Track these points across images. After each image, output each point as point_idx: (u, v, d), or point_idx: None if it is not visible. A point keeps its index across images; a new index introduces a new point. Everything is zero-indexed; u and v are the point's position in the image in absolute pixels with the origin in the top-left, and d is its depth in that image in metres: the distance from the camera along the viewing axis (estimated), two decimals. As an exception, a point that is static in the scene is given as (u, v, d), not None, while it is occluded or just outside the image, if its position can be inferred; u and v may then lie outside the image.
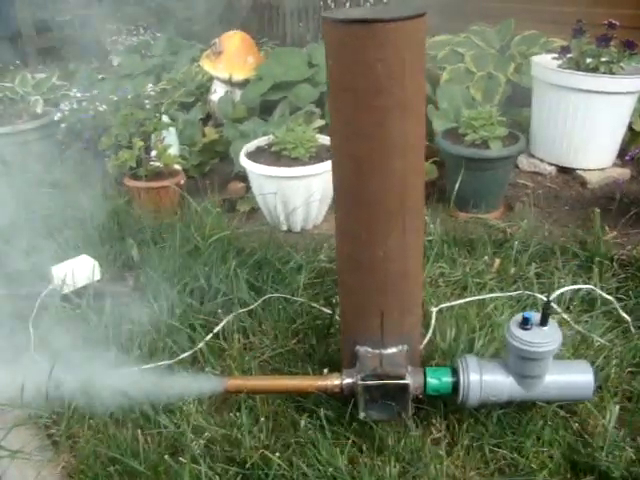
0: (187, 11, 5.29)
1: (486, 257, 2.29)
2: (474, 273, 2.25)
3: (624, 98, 2.85)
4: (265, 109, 3.57)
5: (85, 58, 4.86)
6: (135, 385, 1.70)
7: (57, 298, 2.17)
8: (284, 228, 2.69)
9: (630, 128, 3.10)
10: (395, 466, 1.51)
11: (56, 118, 3.41)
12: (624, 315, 1.91)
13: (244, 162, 2.62)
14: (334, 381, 1.60)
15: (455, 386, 1.58)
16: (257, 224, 2.75)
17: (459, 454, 1.59)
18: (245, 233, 2.53)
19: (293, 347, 1.96)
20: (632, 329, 1.92)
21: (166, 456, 1.54)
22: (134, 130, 2.72)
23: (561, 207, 2.80)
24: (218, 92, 3.77)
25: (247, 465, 1.53)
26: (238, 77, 3.71)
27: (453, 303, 2.07)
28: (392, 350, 1.62)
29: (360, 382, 1.54)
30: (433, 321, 1.96)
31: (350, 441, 1.58)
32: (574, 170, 3.02)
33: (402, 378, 1.54)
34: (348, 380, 1.58)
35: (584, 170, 3.00)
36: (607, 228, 2.40)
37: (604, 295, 1.93)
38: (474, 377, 1.56)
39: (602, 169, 3.00)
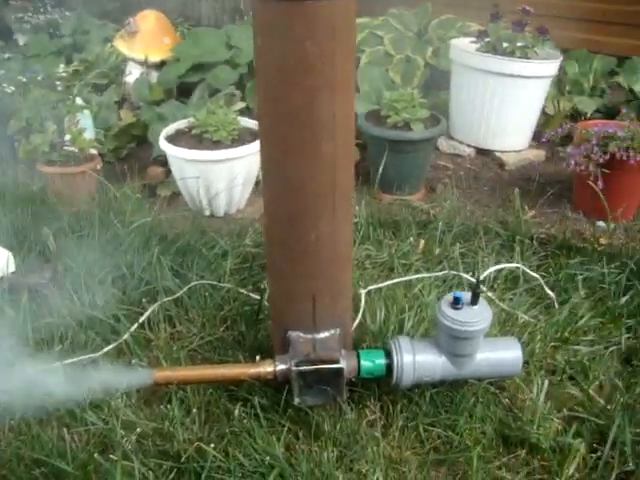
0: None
1: (411, 238, 2.31)
2: (400, 254, 2.26)
3: (539, 82, 2.95)
4: (183, 91, 3.46)
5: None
6: (58, 382, 1.61)
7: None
8: (207, 213, 2.62)
9: (543, 112, 3.20)
10: (332, 451, 1.50)
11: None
12: (549, 291, 1.97)
13: (164, 146, 2.53)
14: (267, 368, 1.56)
15: (389, 368, 1.58)
16: (179, 210, 2.66)
17: (394, 435, 1.59)
18: (167, 219, 2.44)
19: (222, 335, 1.92)
20: (556, 305, 1.98)
21: (95, 454, 1.47)
22: (46, 113, 2.57)
23: (481, 188, 2.87)
24: (133, 74, 3.63)
25: (182, 459, 1.48)
26: (154, 58, 3.58)
27: (381, 285, 2.07)
28: (324, 334, 1.60)
29: (294, 368, 1.51)
30: (362, 303, 1.95)
31: (286, 428, 1.56)
32: (492, 152, 3.10)
33: (336, 362, 1.53)
34: (282, 366, 1.55)
35: (501, 152, 3.08)
36: (526, 208, 2.47)
37: (529, 272, 1.98)
38: (407, 358, 1.57)
39: (518, 151, 3.10)
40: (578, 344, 1.88)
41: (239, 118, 2.63)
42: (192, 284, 2.04)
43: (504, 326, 1.90)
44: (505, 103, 2.95)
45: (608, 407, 1.63)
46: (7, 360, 1.71)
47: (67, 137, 2.74)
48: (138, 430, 1.55)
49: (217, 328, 1.94)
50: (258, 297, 1.98)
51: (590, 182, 2.36)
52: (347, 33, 1.32)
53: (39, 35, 4.47)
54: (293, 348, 1.56)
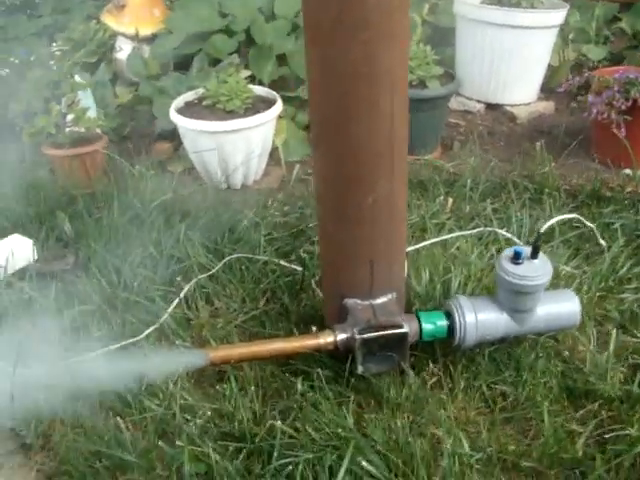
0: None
1: (441, 197, 2.26)
2: (430, 214, 2.22)
3: (546, 32, 2.90)
4: (178, 64, 3.34)
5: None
6: (108, 369, 1.55)
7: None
8: (224, 186, 2.55)
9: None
10: (402, 417, 1.47)
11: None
12: (601, 241, 1.95)
13: (176, 119, 2.43)
14: (327, 338, 1.52)
15: (450, 329, 1.55)
16: (194, 184, 2.58)
17: (457, 396, 1.57)
18: (188, 195, 2.37)
19: (264, 308, 1.86)
20: (606, 254, 1.94)
21: (160, 442, 1.42)
22: (48, 94, 2.45)
23: (497, 143, 2.83)
24: (124, 49, 3.48)
25: (249, 439, 1.43)
26: (145, 32, 3.44)
27: (417, 246, 2.03)
28: (382, 300, 1.56)
29: (358, 336, 1.47)
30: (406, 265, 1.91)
31: (351, 398, 1.52)
32: (502, 106, 3.06)
33: (400, 327, 1.49)
34: (342, 335, 1.51)
35: (511, 106, 3.03)
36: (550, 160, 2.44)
37: (586, 222, 1.96)
38: (470, 318, 1.53)
39: (528, 104, 3.06)
40: (623, 292, 1.87)
41: (250, 86, 2.55)
42: (227, 259, 1.98)
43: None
44: (513, 55, 2.90)
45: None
46: (49, 351, 1.65)
47: (69, 117, 2.63)
48: (200, 413, 1.50)
49: (258, 302, 1.89)
50: (298, 267, 1.93)
51: (614, 129, 2.33)
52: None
53: (15, 16, 4.28)
54: (352, 316, 1.52)
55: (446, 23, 3.22)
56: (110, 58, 3.66)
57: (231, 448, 1.43)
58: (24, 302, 1.87)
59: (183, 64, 3.31)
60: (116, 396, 1.56)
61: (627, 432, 1.41)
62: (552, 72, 3.16)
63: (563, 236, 2.06)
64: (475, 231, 2.10)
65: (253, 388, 1.56)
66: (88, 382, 1.53)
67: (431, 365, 1.63)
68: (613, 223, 2.08)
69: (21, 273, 2.01)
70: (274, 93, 2.62)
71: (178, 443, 1.41)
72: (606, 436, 1.45)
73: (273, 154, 2.67)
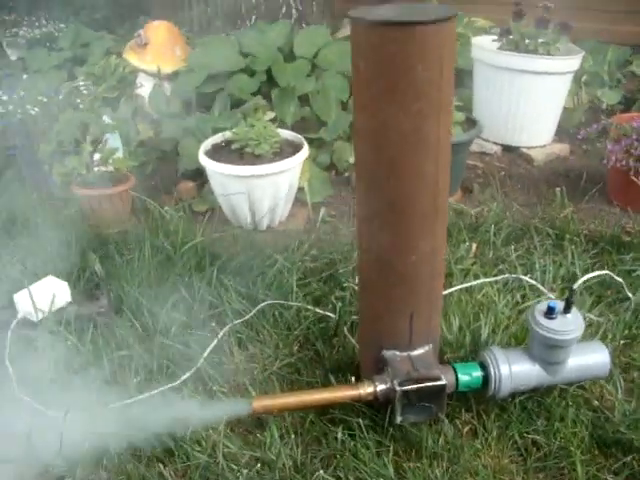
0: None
1: (467, 243, 2.32)
2: (455, 260, 2.27)
3: (562, 77, 2.98)
4: (200, 102, 3.42)
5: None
6: (152, 416, 1.59)
7: (29, 327, 1.99)
8: (250, 227, 2.61)
9: (562, 106, 3.24)
10: (439, 466, 1.52)
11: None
12: (629, 294, 2.00)
13: (205, 162, 2.50)
14: (367, 389, 1.56)
15: (485, 380, 1.60)
16: (219, 225, 2.64)
17: (491, 444, 1.61)
18: (217, 237, 2.42)
19: (298, 355, 1.90)
20: (632, 304, 2.00)
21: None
22: (79, 134, 2.52)
23: (514, 186, 2.90)
24: (145, 86, 3.57)
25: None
26: (167, 69, 3.53)
27: (446, 292, 2.08)
28: (420, 351, 1.61)
29: (398, 388, 1.51)
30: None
31: (391, 448, 1.56)
32: (518, 148, 3.13)
33: (438, 379, 1.53)
34: (382, 387, 1.56)
35: (528, 148, 3.11)
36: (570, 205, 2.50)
37: (616, 278, 2.01)
38: (504, 369, 1.59)
39: (543, 146, 3.13)
40: (647, 340, 1.92)
41: (278, 130, 2.62)
42: (261, 305, 2.03)
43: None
44: (530, 99, 2.98)
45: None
46: (93, 397, 1.70)
47: (96, 157, 2.69)
48: (243, 462, 1.54)
49: (291, 348, 1.93)
50: (330, 314, 1.98)
51: (632, 176, 2.39)
52: (451, 56, 1.32)
53: (36, 50, 4.37)
54: (392, 367, 1.57)
55: (463, 65, 3.30)
56: (130, 94, 3.74)
57: (275, 497, 1.48)
58: (64, 347, 1.90)
59: (204, 102, 3.40)
60: (159, 443, 1.60)
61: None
62: (567, 115, 3.24)
63: (585, 283, 2.12)
64: (500, 277, 2.16)
65: (293, 436, 1.61)
66: (132, 429, 1.58)
67: (464, 414, 1.67)
68: (635, 270, 2.14)
69: (57, 315, 2.05)
70: (299, 136, 2.69)
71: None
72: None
73: (297, 195, 2.73)
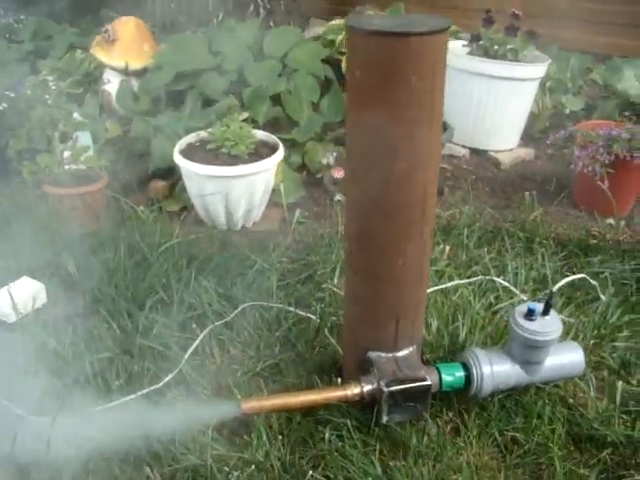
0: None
1: (440, 245, 2.37)
2: (430, 261, 2.32)
3: (529, 84, 3.07)
4: (169, 100, 3.38)
5: None
6: (139, 420, 1.58)
7: (4, 329, 1.95)
8: (224, 228, 2.60)
9: (527, 110, 3.33)
10: (425, 464, 1.56)
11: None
12: (602, 296, 2.08)
13: (181, 162, 2.48)
14: (354, 390, 1.59)
15: (467, 380, 1.65)
16: (194, 226, 2.63)
17: (472, 442, 1.66)
18: (193, 238, 2.41)
19: (280, 356, 1.91)
20: (610, 307, 2.07)
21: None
22: (50, 132, 2.47)
23: (483, 189, 2.97)
24: (113, 82, 3.52)
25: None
26: (135, 66, 3.48)
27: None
28: (404, 352, 1.65)
29: (385, 389, 1.55)
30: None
31: (377, 447, 1.59)
32: (486, 152, 3.21)
33: (424, 379, 1.58)
34: (369, 387, 1.59)
35: (495, 152, 3.19)
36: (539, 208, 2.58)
37: (591, 281, 2.08)
38: (486, 369, 1.64)
39: (510, 150, 3.22)
40: (615, 340, 2.00)
41: (253, 130, 2.62)
42: (242, 306, 2.03)
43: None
44: (498, 104, 3.06)
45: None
46: (75, 400, 1.68)
47: (66, 154, 2.64)
48: (231, 464, 1.55)
49: (273, 349, 1.95)
50: (312, 316, 2.00)
51: (598, 182, 2.49)
52: (443, 66, 1.36)
53: (-6, 41, 4.24)
54: (378, 368, 1.60)
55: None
56: (95, 90, 3.68)
57: (265, 498, 1.50)
58: (41, 349, 1.87)
59: (172, 100, 3.36)
60: (146, 447, 1.60)
61: (636, 478, 1.53)
62: (531, 120, 3.34)
63: (554, 284, 2.19)
64: (474, 279, 2.21)
65: (280, 437, 1.62)
66: (118, 432, 1.57)
67: (446, 412, 1.72)
68: (602, 272, 2.22)
69: (34, 317, 2.01)
70: (273, 137, 2.70)
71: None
72: (614, 481, 1.56)
73: (270, 196, 2.74)
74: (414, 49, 1.28)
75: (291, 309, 2.05)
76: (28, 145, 2.52)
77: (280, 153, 2.56)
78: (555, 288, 1.62)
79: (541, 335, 1.60)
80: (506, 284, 2.17)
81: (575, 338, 1.96)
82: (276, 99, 3.18)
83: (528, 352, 1.64)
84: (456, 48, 3.16)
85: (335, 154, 2.85)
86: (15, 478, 1.54)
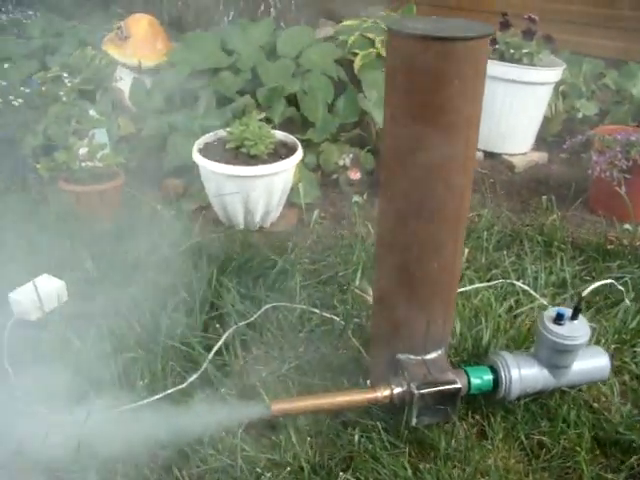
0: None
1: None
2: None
3: (544, 88, 3.08)
4: (181, 98, 3.38)
5: None
6: (170, 420, 1.58)
7: (27, 327, 1.94)
8: (241, 227, 2.60)
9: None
10: (454, 467, 1.56)
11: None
12: (627, 301, 2.09)
13: (200, 161, 2.48)
14: (384, 392, 1.59)
15: (496, 383, 1.66)
16: (212, 225, 2.63)
17: (498, 445, 1.66)
18: (213, 237, 2.41)
19: (304, 357, 1.92)
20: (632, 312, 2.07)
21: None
22: (68, 128, 2.46)
23: (498, 192, 2.97)
24: (125, 80, 3.50)
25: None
26: (148, 63, 3.47)
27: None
28: (433, 355, 1.65)
29: (416, 391, 1.55)
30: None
31: (407, 449, 1.60)
32: (500, 155, 3.21)
33: (454, 382, 1.58)
34: (399, 390, 1.59)
35: (509, 155, 3.19)
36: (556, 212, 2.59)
37: (617, 286, 2.07)
38: (515, 373, 1.64)
39: (524, 153, 3.22)
40: (635, 346, 2.01)
41: (272, 131, 2.62)
42: (266, 307, 2.03)
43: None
44: (513, 108, 3.07)
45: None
46: (102, 399, 1.68)
47: (81, 151, 2.63)
48: (261, 464, 1.55)
49: (296, 350, 1.95)
50: (336, 317, 2.00)
51: (615, 187, 2.49)
52: (483, 71, 1.36)
53: (4, 37, 4.22)
54: (408, 371, 1.60)
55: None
56: (107, 87, 3.66)
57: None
58: (66, 348, 1.87)
59: (187, 99, 3.35)
60: (174, 447, 1.59)
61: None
62: (545, 124, 3.34)
63: (574, 289, 2.20)
64: (495, 282, 2.22)
65: (308, 439, 1.62)
66: (148, 433, 1.57)
67: (472, 415, 1.72)
68: (622, 277, 2.23)
69: (56, 315, 2.00)
70: (291, 137, 2.70)
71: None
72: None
73: (287, 196, 2.74)
74: (459, 53, 1.28)
75: (315, 310, 2.05)
76: (45, 142, 2.50)
77: (299, 153, 2.56)
78: (585, 293, 1.62)
79: (570, 339, 1.61)
80: (526, 288, 2.18)
81: (596, 343, 1.96)
82: (290, 99, 3.18)
83: (556, 356, 1.65)
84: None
85: (351, 155, 2.86)
86: (44, 478, 1.53)
